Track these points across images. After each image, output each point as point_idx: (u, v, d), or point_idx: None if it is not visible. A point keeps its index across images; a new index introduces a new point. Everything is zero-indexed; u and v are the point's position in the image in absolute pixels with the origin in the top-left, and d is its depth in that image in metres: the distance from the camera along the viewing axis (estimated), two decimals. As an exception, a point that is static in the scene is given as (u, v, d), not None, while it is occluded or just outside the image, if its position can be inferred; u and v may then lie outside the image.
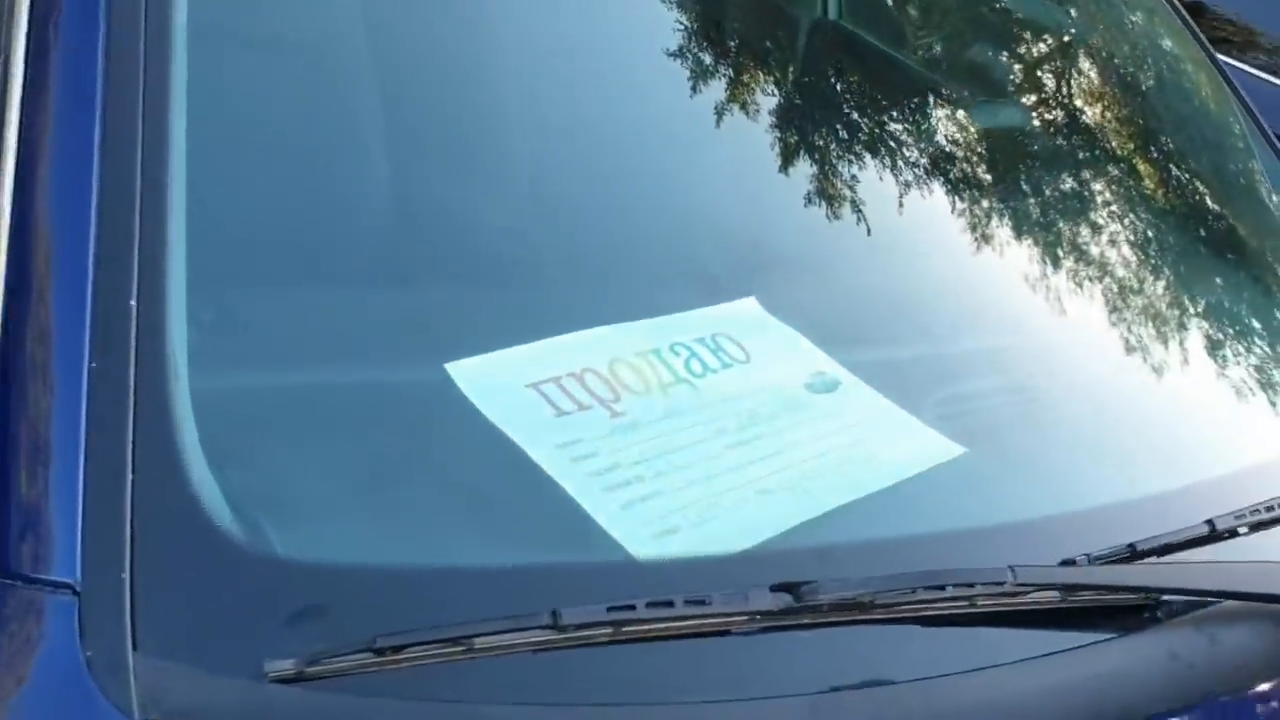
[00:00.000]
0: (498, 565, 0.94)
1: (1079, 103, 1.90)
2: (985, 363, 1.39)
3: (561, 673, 0.88)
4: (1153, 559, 1.15)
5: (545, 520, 1.01)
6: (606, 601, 0.87)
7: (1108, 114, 1.88)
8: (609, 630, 0.88)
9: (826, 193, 1.54)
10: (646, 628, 0.89)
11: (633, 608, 0.87)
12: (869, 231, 1.49)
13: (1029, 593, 1.03)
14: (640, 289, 1.31)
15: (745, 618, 0.92)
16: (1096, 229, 1.69)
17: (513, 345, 1.16)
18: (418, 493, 1.01)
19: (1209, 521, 1.20)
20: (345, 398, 1.06)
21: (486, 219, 1.26)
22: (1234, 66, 2.59)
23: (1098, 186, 1.74)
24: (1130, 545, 1.15)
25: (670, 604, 0.88)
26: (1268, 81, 3.20)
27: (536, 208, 1.34)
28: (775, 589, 0.92)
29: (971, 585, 0.99)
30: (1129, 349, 1.41)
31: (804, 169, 1.51)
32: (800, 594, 0.93)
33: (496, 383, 1.12)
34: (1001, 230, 1.75)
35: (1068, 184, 1.75)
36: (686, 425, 1.15)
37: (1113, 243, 1.64)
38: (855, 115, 1.68)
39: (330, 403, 1.06)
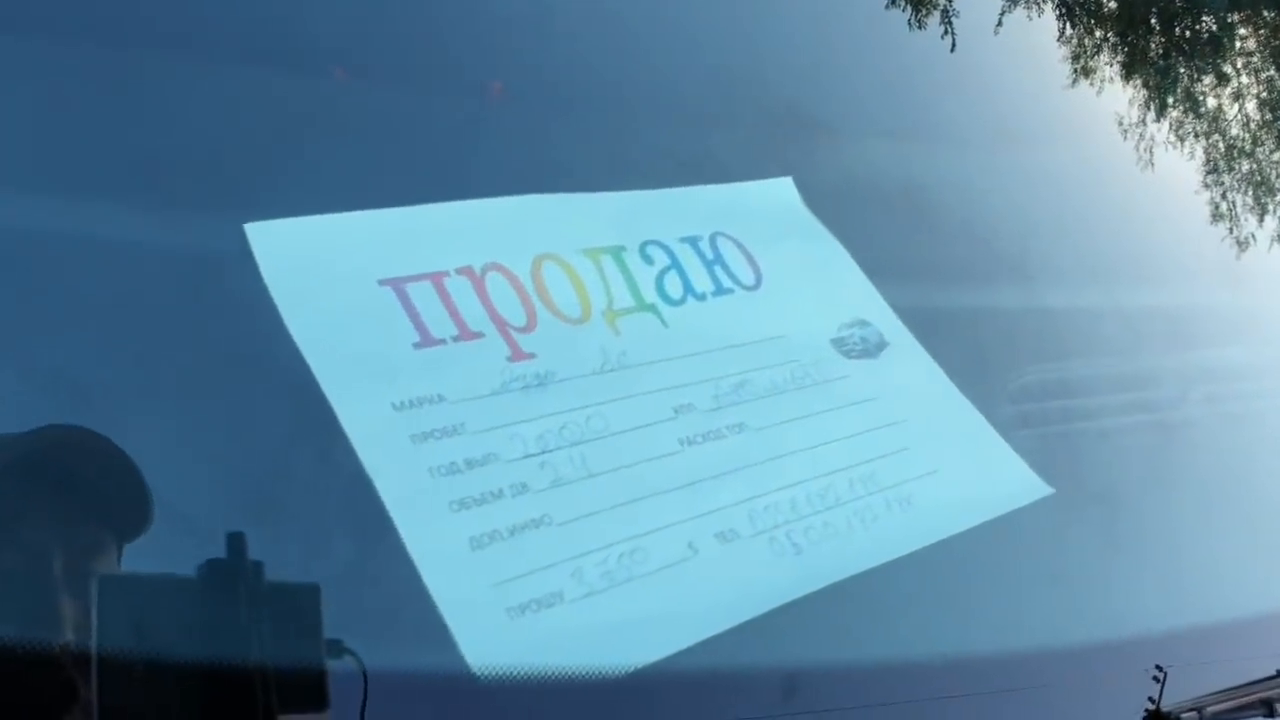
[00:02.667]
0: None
1: None
2: (1109, 343, 0.93)
3: None
4: None
5: (312, 558, 0.57)
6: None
7: None
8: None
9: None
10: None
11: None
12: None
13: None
14: (617, 144, 0.82)
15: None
16: None
17: (374, 205, 0.69)
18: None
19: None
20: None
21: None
22: None
23: None
24: (1264, 700, 0.74)
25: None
26: None
27: None
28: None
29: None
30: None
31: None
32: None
33: (324, 267, 0.66)
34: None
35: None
36: (630, 393, 0.70)
37: None
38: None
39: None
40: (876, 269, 0.85)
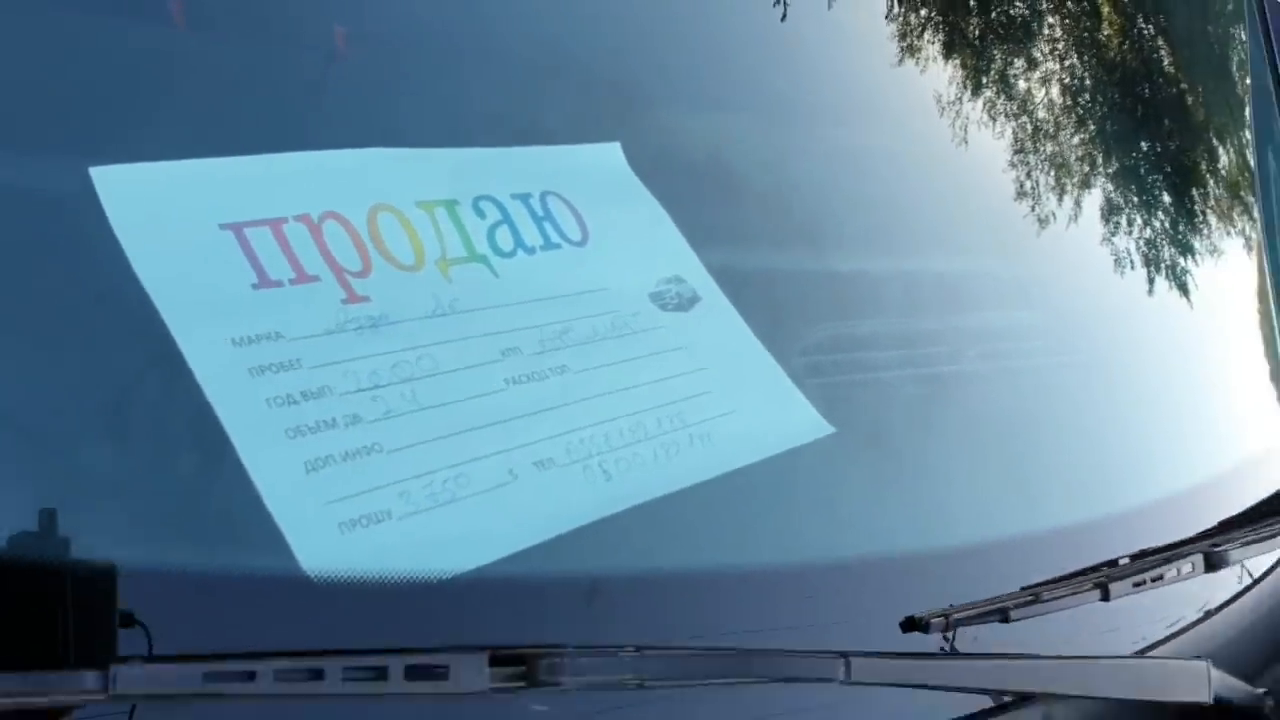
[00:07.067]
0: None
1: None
2: (908, 302, 1.04)
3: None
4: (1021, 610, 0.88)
5: (150, 480, 0.62)
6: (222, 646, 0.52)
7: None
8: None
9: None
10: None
11: (252, 675, 0.51)
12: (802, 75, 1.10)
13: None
14: (455, 105, 0.88)
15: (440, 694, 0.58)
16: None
17: (219, 154, 0.73)
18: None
19: (1100, 585, 0.92)
20: None
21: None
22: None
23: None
24: (1000, 610, 0.86)
25: (318, 674, 0.53)
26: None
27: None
28: (499, 660, 0.58)
29: (791, 680, 0.69)
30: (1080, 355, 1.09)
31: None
32: (536, 670, 0.59)
33: (168, 210, 0.70)
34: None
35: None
36: (460, 336, 0.77)
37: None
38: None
39: None
40: (693, 231, 0.94)
